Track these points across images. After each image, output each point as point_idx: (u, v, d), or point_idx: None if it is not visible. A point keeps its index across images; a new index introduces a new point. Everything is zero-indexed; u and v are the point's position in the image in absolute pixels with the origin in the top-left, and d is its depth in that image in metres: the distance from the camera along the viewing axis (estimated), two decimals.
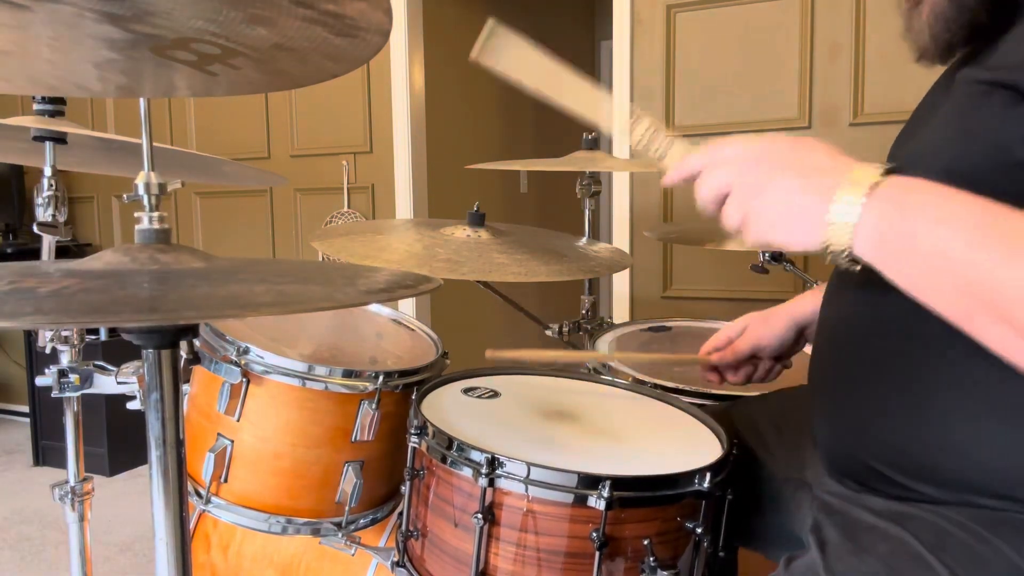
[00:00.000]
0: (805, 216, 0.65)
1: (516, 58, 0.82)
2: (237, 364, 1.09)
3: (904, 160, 0.80)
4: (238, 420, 1.12)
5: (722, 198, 0.71)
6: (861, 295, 0.79)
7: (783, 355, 1.10)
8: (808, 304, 1.05)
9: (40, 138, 1.18)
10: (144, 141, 0.76)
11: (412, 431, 0.96)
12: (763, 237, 0.68)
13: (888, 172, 0.64)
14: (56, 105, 1.21)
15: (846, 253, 0.64)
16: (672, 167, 0.77)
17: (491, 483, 0.85)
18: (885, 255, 0.63)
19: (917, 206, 0.62)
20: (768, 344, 1.08)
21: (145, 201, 0.73)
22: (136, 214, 0.73)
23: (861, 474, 0.79)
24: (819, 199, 0.64)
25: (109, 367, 1.22)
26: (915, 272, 0.62)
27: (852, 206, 0.63)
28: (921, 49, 0.80)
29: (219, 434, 1.13)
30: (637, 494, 0.84)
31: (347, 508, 1.15)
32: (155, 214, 0.72)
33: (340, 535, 1.17)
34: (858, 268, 0.65)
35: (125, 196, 0.79)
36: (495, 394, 1.10)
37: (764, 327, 1.08)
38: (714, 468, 0.87)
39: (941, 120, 0.75)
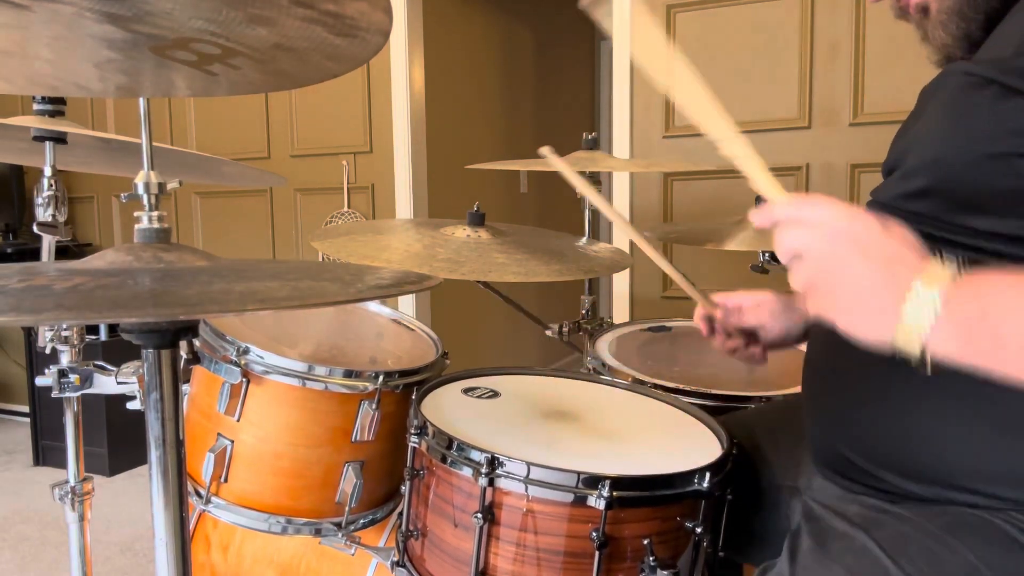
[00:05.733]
0: (875, 313, 0.62)
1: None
2: (237, 364, 1.09)
3: (899, 150, 0.81)
4: (238, 420, 1.12)
5: (796, 257, 0.67)
6: None
7: (781, 345, 1.08)
8: None
9: (40, 138, 1.18)
10: (144, 141, 0.76)
11: (412, 431, 0.96)
12: (825, 313, 0.64)
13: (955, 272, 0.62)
14: (56, 105, 1.21)
15: (919, 352, 0.60)
16: (760, 212, 0.72)
17: (491, 483, 0.85)
18: (968, 345, 0.59)
19: (992, 292, 0.59)
20: (772, 331, 1.06)
21: (145, 200, 0.73)
22: (136, 213, 0.73)
23: (845, 470, 0.80)
24: (892, 299, 0.61)
25: (109, 367, 1.22)
26: (1005, 353, 0.59)
27: (928, 306, 0.60)
28: (943, 49, 0.80)
29: (219, 434, 1.13)
30: (637, 494, 0.84)
31: (347, 508, 1.15)
32: (155, 213, 0.72)
33: (340, 535, 1.17)
34: (926, 370, 0.61)
35: (123, 195, 0.79)
36: (495, 394, 1.10)
37: (780, 317, 1.05)
38: (714, 468, 0.88)
39: (934, 110, 0.76)
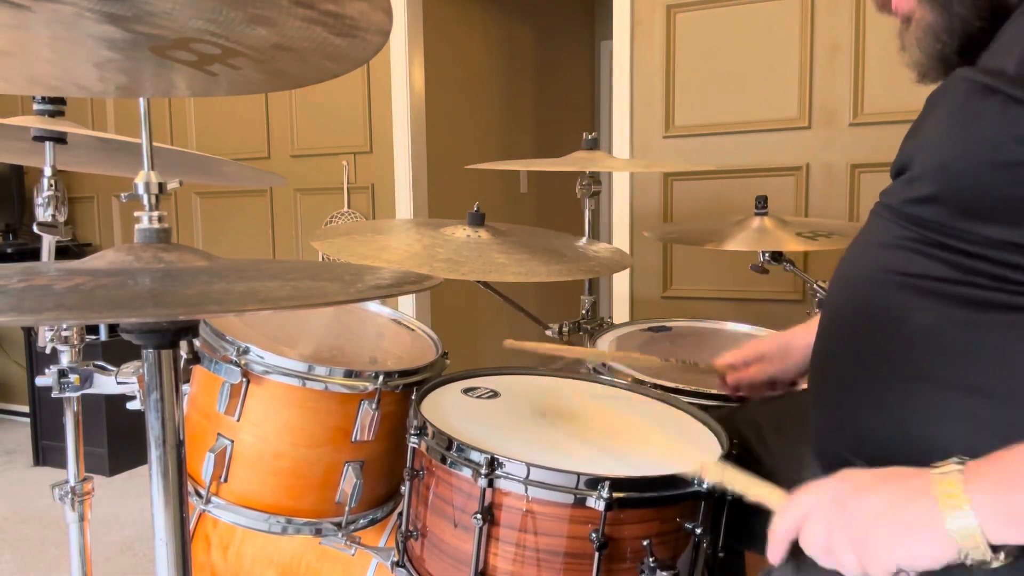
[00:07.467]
0: (923, 528, 0.62)
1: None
2: (237, 364, 1.09)
3: (907, 152, 0.81)
4: (238, 420, 1.12)
5: (830, 549, 0.68)
6: (853, 293, 0.80)
7: (802, 377, 1.13)
8: None
9: (40, 138, 1.18)
10: (144, 141, 0.76)
11: (412, 431, 0.96)
12: (887, 564, 0.64)
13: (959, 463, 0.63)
14: (56, 105, 1.21)
15: (985, 550, 0.60)
16: (771, 542, 0.74)
17: (491, 483, 0.85)
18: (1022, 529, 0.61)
19: (1015, 473, 0.61)
20: (784, 378, 1.11)
21: (145, 200, 0.73)
22: (136, 213, 0.73)
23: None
24: (926, 509, 0.62)
25: (109, 367, 1.22)
26: None
27: (962, 510, 0.61)
28: (918, 66, 0.81)
29: (219, 434, 1.13)
30: (636, 495, 0.84)
31: (347, 508, 1.15)
32: (155, 213, 0.72)
33: (340, 535, 1.17)
34: (1004, 558, 0.61)
35: (123, 195, 0.79)
36: (495, 394, 1.10)
37: (781, 362, 1.10)
38: None
39: (940, 116, 0.76)
